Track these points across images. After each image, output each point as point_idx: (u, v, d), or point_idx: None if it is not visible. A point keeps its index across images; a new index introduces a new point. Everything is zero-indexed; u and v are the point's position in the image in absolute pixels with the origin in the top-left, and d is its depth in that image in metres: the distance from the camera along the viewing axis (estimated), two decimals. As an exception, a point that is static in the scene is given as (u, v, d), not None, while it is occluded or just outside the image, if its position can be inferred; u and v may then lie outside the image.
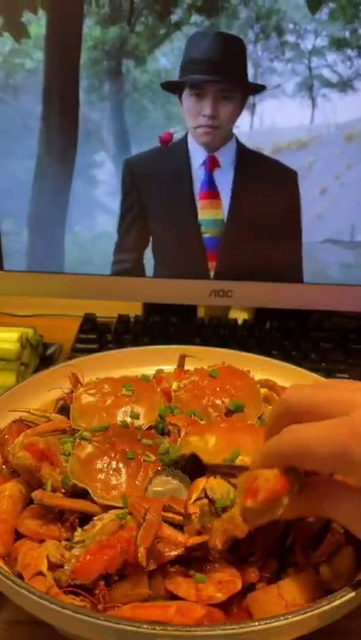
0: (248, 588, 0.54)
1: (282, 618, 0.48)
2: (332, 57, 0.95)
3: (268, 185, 1.03)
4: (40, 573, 0.53)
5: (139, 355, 0.86)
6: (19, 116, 1.00)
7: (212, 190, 1.05)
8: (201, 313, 1.18)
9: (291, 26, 0.95)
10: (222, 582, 0.53)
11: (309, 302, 1.05)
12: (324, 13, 0.93)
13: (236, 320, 1.13)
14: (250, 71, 0.97)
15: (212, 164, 1.03)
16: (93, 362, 0.82)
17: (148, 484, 0.59)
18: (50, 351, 1.06)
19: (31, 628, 0.59)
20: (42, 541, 0.57)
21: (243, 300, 1.07)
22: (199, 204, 1.05)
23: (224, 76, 0.99)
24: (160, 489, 0.59)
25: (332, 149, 1.01)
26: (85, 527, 0.56)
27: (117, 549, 0.53)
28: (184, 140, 1.02)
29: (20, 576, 0.54)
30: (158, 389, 0.73)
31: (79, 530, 0.56)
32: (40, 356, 1.03)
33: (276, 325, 1.10)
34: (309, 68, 0.96)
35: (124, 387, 0.72)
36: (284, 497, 0.49)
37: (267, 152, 1.01)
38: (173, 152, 1.02)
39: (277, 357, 0.87)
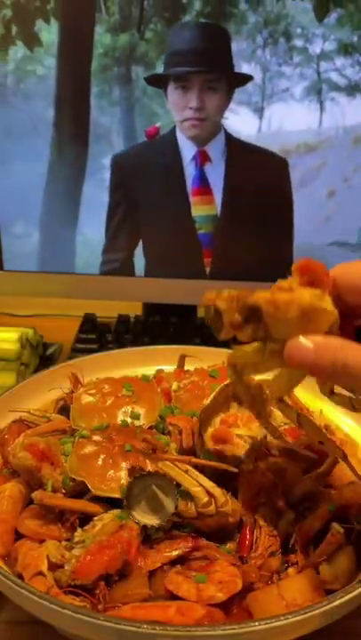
0: (248, 587, 0.54)
1: (282, 618, 0.48)
2: (340, 61, 0.95)
3: (259, 175, 1.03)
4: (40, 573, 0.53)
5: (139, 355, 0.86)
6: (30, 121, 1.02)
7: (203, 186, 1.05)
8: (201, 313, 1.18)
9: (299, 30, 0.95)
10: (223, 582, 0.53)
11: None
12: (332, 18, 0.93)
13: (236, 320, 1.13)
14: (258, 75, 0.97)
15: (202, 158, 1.03)
16: (93, 362, 0.82)
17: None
18: (50, 351, 1.06)
19: (31, 628, 0.59)
20: (42, 541, 0.57)
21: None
22: (192, 200, 1.05)
23: (209, 65, 0.98)
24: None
25: (341, 152, 1.01)
26: (85, 527, 0.57)
27: (117, 549, 0.53)
28: (172, 135, 1.02)
29: (20, 576, 0.54)
30: (158, 389, 0.73)
31: (79, 530, 0.56)
32: (40, 356, 1.03)
33: (276, 325, 1.10)
34: (318, 72, 0.97)
35: (124, 387, 0.72)
36: None
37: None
38: (162, 147, 1.02)
39: (277, 357, 0.87)
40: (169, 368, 0.81)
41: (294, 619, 0.48)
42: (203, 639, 0.47)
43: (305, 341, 0.46)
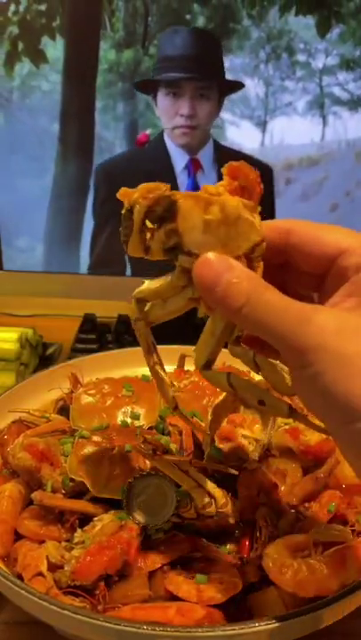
0: (248, 588, 0.54)
1: (282, 619, 0.48)
2: (342, 75, 0.96)
3: None
4: (40, 574, 0.53)
5: (139, 355, 0.85)
6: (35, 136, 1.02)
7: None
8: (201, 313, 1.18)
9: (301, 46, 0.95)
10: (223, 583, 0.53)
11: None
12: (334, 34, 0.94)
13: (235, 320, 1.13)
14: (261, 89, 0.97)
15: (195, 166, 1.02)
16: (93, 362, 0.82)
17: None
18: (49, 351, 1.06)
19: (31, 628, 0.59)
20: (42, 542, 0.57)
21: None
22: None
23: (201, 72, 0.98)
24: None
25: (343, 166, 1.01)
26: (85, 528, 0.56)
27: (117, 550, 0.53)
28: (160, 142, 1.01)
29: (20, 577, 0.54)
30: (158, 390, 0.73)
31: (79, 531, 0.56)
32: (40, 356, 1.03)
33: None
34: (320, 87, 0.97)
35: (124, 387, 0.72)
36: None
37: (278, 169, 1.01)
38: (152, 155, 1.02)
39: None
40: (169, 368, 0.81)
41: (294, 619, 0.48)
42: (203, 640, 0.47)
43: (219, 261, 0.40)
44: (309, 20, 0.93)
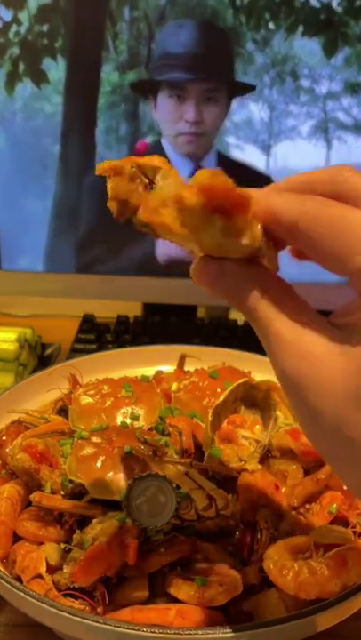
0: (249, 590, 0.54)
1: (282, 621, 0.48)
2: (347, 100, 0.95)
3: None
4: (39, 576, 0.53)
5: (138, 355, 0.85)
6: (38, 157, 1.01)
7: None
8: (201, 313, 1.18)
9: (306, 71, 0.94)
10: (223, 585, 0.53)
11: (310, 302, 1.04)
12: (339, 59, 0.93)
13: (236, 320, 1.12)
14: (265, 113, 0.95)
15: None
16: (92, 362, 0.82)
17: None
18: (48, 351, 1.05)
19: (30, 631, 0.59)
20: (41, 544, 0.56)
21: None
22: None
23: (209, 73, 0.93)
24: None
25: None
26: (85, 529, 0.56)
27: (117, 552, 0.53)
28: (158, 150, 0.97)
29: (19, 579, 0.54)
30: (158, 390, 0.73)
31: (78, 532, 0.56)
32: (38, 357, 1.03)
33: (275, 325, 1.10)
34: (324, 112, 0.96)
35: (123, 387, 0.71)
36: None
37: None
38: None
39: (278, 358, 0.86)
40: (169, 368, 0.81)
41: (295, 622, 0.48)
42: (203, 642, 0.47)
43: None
44: (314, 46, 0.93)
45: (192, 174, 0.94)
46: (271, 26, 0.92)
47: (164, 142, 0.98)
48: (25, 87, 0.98)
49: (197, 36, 0.92)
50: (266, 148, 0.99)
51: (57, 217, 1.04)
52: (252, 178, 1.00)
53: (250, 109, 0.97)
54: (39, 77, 0.96)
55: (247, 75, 0.95)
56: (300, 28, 0.92)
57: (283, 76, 0.95)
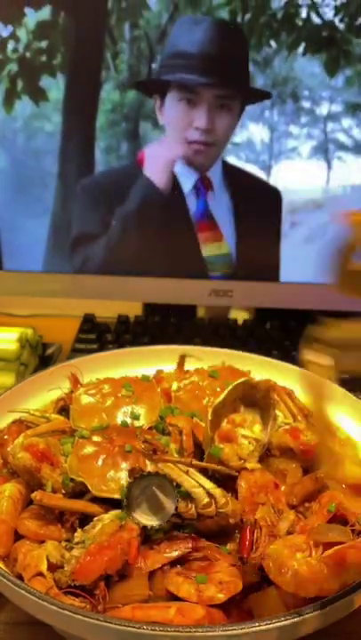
0: (249, 588, 0.54)
1: (282, 619, 0.48)
2: (347, 122, 0.94)
3: (261, 203, 0.98)
4: (40, 574, 0.53)
5: (139, 355, 0.86)
6: (39, 178, 0.99)
7: (209, 219, 0.97)
8: (201, 313, 1.18)
9: (306, 93, 0.93)
10: (223, 583, 0.53)
11: (310, 302, 1.05)
12: (339, 80, 0.92)
13: (236, 320, 1.13)
14: (265, 134, 0.93)
15: (206, 187, 0.95)
16: (93, 362, 0.82)
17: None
18: (49, 351, 1.06)
19: (31, 628, 0.59)
20: (42, 542, 0.57)
21: (243, 300, 1.07)
22: (199, 237, 0.97)
23: (224, 77, 0.87)
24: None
25: (349, 209, 0.99)
26: (85, 528, 0.56)
27: (117, 550, 0.53)
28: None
29: (20, 577, 0.54)
30: (158, 389, 0.73)
31: (79, 530, 0.56)
32: (39, 357, 1.03)
33: (276, 325, 1.10)
34: (325, 133, 0.95)
35: (124, 387, 0.72)
36: None
37: (284, 212, 0.99)
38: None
39: (277, 357, 0.87)
40: (169, 368, 0.81)
41: (294, 620, 0.48)
42: (203, 640, 0.47)
43: None
44: (315, 68, 0.91)
45: (195, 187, 0.89)
46: (272, 44, 0.90)
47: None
48: (24, 106, 0.96)
49: (213, 36, 0.86)
50: (266, 169, 0.98)
51: (55, 232, 1.02)
52: (260, 188, 0.98)
53: (250, 130, 0.96)
54: (38, 95, 0.94)
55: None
56: (302, 46, 0.90)
57: (283, 97, 0.93)
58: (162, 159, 0.96)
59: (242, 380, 0.65)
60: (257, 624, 0.48)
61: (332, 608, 0.49)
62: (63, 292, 1.07)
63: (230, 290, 1.03)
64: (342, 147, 0.95)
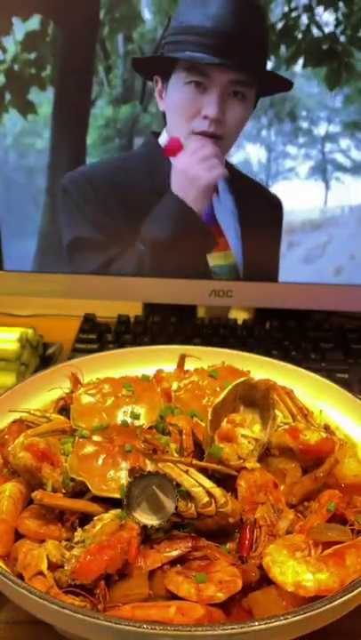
0: (248, 587, 0.54)
1: (282, 618, 0.48)
2: (345, 142, 0.92)
3: (266, 215, 0.95)
4: (40, 573, 0.53)
5: (139, 355, 0.86)
6: (30, 197, 0.96)
7: (214, 225, 0.92)
8: (201, 313, 1.18)
9: (304, 113, 0.90)
10: (223, 582, 0.53)
11: (309, 302, 1.05)
12: (338, 101, 0.89)
13: (236, 320, 1.13)
14: (263, 154, 0.89)
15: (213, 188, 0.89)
16: (93, 362, 0.82)
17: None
18: (50, 351, 1.06)
19: (31, 628, 0.59)
20: (42, 541, 0.57)
21: (243, 300, 1.07)
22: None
23: (240, 60, 0.76)
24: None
25: (347, 230, 0.97)
26: (86, 527, 0.57)
27: (118, 549, 0.54)
28: (157, 151, 0.87)
29: (20, 576, 0.54)
30: (158, 389, 0.74)
31: (79, 530, 0.56)
32: (40, 356, 1.03)
33: (276, 325, 1.10)
34: (323, 153, 0.93)
35: (124, 387, 0.72)
36: None
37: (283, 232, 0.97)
38: (146, 167, 0.88)
39: (277, 357, 0.87)
40: (169, 368, 0.81)
41: (293, 619, 0.48)
42: (203, 639, 0.47)
43: None
44: (313, 88, 0.88)
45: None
46: (272, 59, 0.86)
47: (165, 140, 0.88)
48: (14, 121, 0.92)
49: (230, 11, 0.76)
50: (264, 188, 0.96)
51: (43, 253, 1.00)
52: (262, 195, 0.96)
53: (247, 150, 0.93)
54: (26, 108, 0.89)
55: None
56: (301, 59, 0.86)
57: (281, 116, 0.89)
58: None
59: (241, 379, 0.65)
60: (256, 623, 0.48)
61: (332, 607, 0.50)
62: (63, 292, 1.07)
63: (230, 290, 1.04)
64: (340, 167, 0.94)
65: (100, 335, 1.08)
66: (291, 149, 0.92)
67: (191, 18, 0.76)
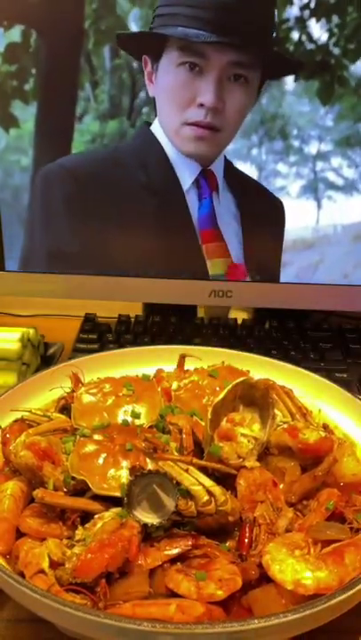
0: (248, 585, 0.55)
1: (281, 616, 0.48)
2: (337, 161, 0.90)
3: (268, 217, 0.92)
4: (41, 571, 0.54)
5: (139, 354, 0.86)
6: (16, 215, 0.92)
7: (214, 227, 0.88)
8: (201, 313, 1.18)
9: (295, 132, 0.87)
10: (223, 580, 0.53)
11: (308, 302, 1.05)
12: (329, 119, 0.86)
13: (236, 320, 1.13)
14: (254, 173, 0.85)
15: (211, 185, 0.84)
16: (94, 361, 0.83)
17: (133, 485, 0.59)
18: (51, 351, 1.06)
19: (32, 626, 0.60)
20: (43, 540, 0.57)
21: (242, 300, 1.07)
22: (203, 248, 0.90)
23: (243, 37, 0.66)
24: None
25: (339, 249, 0.96)
26: (86, 525, 0.57)
27: (118, 548, 0.54)
28: (150, 140, 0.82)
29: (22, 574, 0.54)
30: (159, 389, 0.74)
31: (80, 528, 0.57)
32: (41, 356, 1.03)
33: (275, 325, 1.11)
34: (314, 172, 0.90)
35: (125, 386, 0.72)
36: None
37: None
38: (141, 158, 0.83)
39: (277, 357, 0.87)
40: (169, 368, 0.82)
41: (293, 617, 0.48)
42: (203, 637, 0.48)
43: None
44: (304, 107, 0.85)
45: (200, 179, 0.72)
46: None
47: (158, 130, 0.82)
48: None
49: None
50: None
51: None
52: (264, 194, 0.93)
53: (239, 169, 0.92)
54: (8, 122, 0.85)
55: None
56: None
57: (272, 134, 0.86)
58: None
59: (241, 379, 0.65)
60: (256, 621, 0.48)
61: (331, 605, 0.50)
62: (64, 292, 1.07)
63: (230, 290, 1.04)
64: (332, 186, 0.92)
65: (100, 335, 1.08)
66: (282, 168, 0.90)
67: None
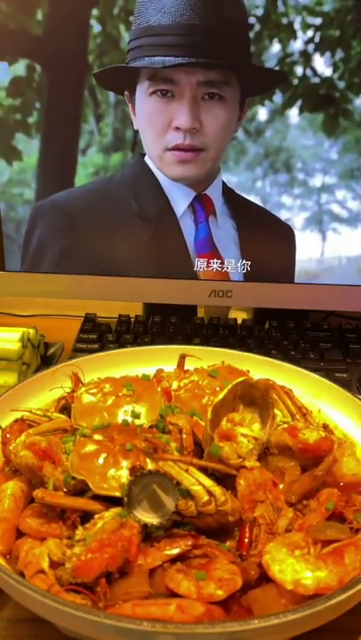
0: (248, 585, 0.55)
1: (281, 616, 0.48)
2: (341, 193, 0.91)
3: (271, 241, 0.92)
4: (41, 571, 0.54)
5: (139, 355, 0.86)
6: (18, 248, 0.93)
7: (212, 251, 0.88)
8: (201, 313, 1.19)
9: (300, 165, 0.87)
10: (223, 580, 0.53)
11: (308, 302, 1.05)
12: (333, 152, 0.86)
13: (235, 320, 1.13)
14: (259, 204, 0.86)
15: (207, 208, 0.83)
16: (94, 361, 0.83)
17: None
18: (51, 351, 1.06)
19: (32, 626, 0.60)
20: (43, 540, 0.57)
21: (242, 300, 1.07)
22: (201, 275, 0.90)
23: (211, 54, 0.65)
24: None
25: (344, 281, 0.97)
26: (86, 525, 0.57)
27: (118, 547, 0.54)
28: (143, 170, 0.83)
29: (22, 574, 0.54)
30: (159, 389, 0.74)
31: (80, 528, 0.57)
32: (41, 356, 1.04)
33: (275, 325, 1.11)
34: (319, 204, 0.91)
35: (125, 386, 0.72)
36: None
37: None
38: (134, 188, 0.83)
39: (277, 357, 0.87)
40: (169, 368, 0.82)
41: (293, 617, 0.48)
42: (203, 636, 0.48)
43: None
44: (308, 140, 0.86)
45: (194, 203, 0.73)
46: (267, 104, 0.82)
47: (151, 160, 0.84)
48: (2, 171, 0.89)
49: (189, 1, 0.64)
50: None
51: None
52: (273, 224, 0.92)
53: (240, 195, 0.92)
54: (11, 154, 0.85)
55: (239, 165, 0.84)
56: (298, 105, 0.83)
57: (276, 167, 0.86)
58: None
59: (241, 379, 0.65)
60: (256, 621, 0.48)
61: (331, 605, 0.50)
62: (64, 292, 1.08)
63: (230, 290, 1.04)
64: (337, 218, 0.92)
65: (100, 335, 1.09)
66: (286, 200, 0.90)
67: (150, 16, 0.67)
